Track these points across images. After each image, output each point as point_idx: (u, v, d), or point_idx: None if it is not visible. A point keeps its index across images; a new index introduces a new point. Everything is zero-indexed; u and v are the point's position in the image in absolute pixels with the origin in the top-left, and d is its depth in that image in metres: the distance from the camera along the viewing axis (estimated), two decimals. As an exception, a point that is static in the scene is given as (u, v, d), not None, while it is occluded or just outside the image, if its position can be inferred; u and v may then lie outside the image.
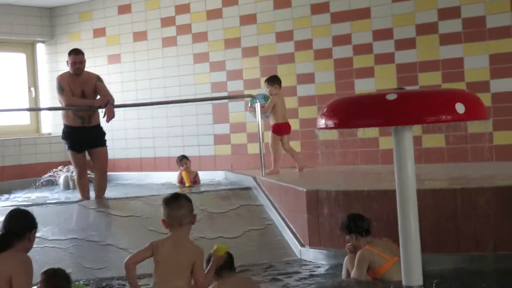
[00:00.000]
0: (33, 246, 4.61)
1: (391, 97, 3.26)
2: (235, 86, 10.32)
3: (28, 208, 4.75)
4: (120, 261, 6.75)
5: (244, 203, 7.85)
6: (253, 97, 8.66)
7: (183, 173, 9.43)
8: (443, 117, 3.26)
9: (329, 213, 6.38)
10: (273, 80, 8.80)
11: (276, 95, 8.71)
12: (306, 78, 9.73)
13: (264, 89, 8.92)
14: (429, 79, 8.79)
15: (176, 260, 4.33)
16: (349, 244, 5.63)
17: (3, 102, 11.27)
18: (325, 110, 3.50)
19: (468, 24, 8.59)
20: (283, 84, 9.03)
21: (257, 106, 8.49)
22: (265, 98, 8.64)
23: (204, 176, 9.65)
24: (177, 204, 4.46)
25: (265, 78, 9.00)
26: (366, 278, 5.44)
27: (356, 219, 5.61)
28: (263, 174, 8.39)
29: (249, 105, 8.74)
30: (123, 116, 10.90)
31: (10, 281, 4.23)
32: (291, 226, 7.14)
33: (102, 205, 7.78)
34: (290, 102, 9.68)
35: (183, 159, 9.57)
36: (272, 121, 8.75)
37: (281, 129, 8.75)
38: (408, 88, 6.67)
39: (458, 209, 5.90)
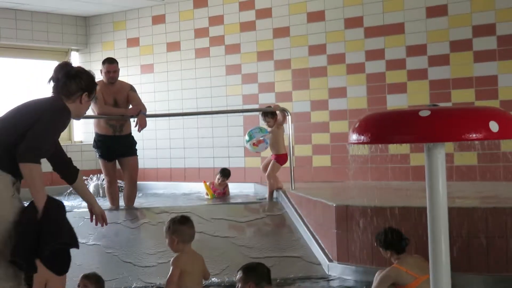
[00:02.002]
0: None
1: (424, 113, 3.22)
2: (267, 98, 10.32)
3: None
4: (145, 271, 6.86)
5: (272, 216, 7.85)
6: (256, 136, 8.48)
7: (204, 185, 9.41)
8: (476, 135, 3.22)
9: (358, 228, 6.33)
10: (273, 113, 8.58)
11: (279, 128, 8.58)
12: (338, 92, 9.71)
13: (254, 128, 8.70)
14: (462, 96, 8.72)
15: (197, 270, 5.01)
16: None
17: None
18: (357, 124, 3.47)
19: (503, 42, 8.52)
20: (315, 97, 9.01)
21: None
22: (262, 130, 8.46)
23: (233, 188, 9.67)
24: (191, 223, 5.12)
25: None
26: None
27: (395, 236, 5.51)
28: (293, 188, 8.36)
29: (246, 142, 8.51)
30: (154, 126, 10.92)
31: (45, 286, 4.28)
32: (320, 241, 7.11)
33: (131, 214, 7.81)
34: (321, 116, 9.73)
35: (221, 172, 9.54)
36: (275, 151, 8.49)
37: (284, 160, 8.56)
38: (441, 104, 6.62)
39: (489, 228, 5.84)
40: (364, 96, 9.48)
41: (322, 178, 9.60)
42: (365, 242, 6.08)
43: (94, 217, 4.66)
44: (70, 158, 4.58)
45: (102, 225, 4.66)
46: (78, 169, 4.59)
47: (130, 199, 8.30)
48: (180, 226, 5.04)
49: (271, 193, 8.47)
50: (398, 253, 5.48)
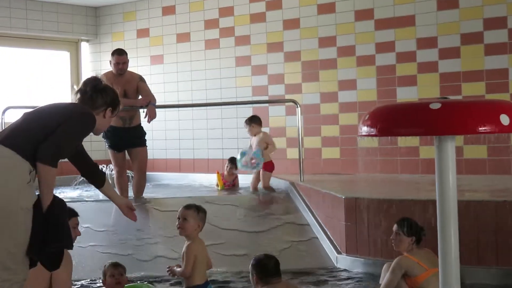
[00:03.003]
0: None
1: (435, 106, 3.21)
2: (276, 90, 10.32)
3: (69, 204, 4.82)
4: (153, 261, 6.88)
5: (281, 208, 7.85)
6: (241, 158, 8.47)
7: (217, 175, 9.37)
8: (487, 128, 3.21)
9: (367, 221, 6.33)
10: (256, 119, 8.62)
11: (264, 133, 8.62)
12: (348, 85, 9.68)
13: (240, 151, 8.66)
14: (472, 89, 8.69)
15: (205, 259, 5.06)
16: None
17: (46, 100, 11.29)
18: (367, 117, 3.46)
19: (514, 35, 8.49)
20: (325, 89, 9.00)
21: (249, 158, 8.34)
22: (242, 154, 8.42)
23: (243, 179, 9.57)
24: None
25: (249, 118, 8.74)
26: (401, 286, 5.35)
27: (417, 225, 5.48)
28: (302, 180, 8.37)
29: (240, 166, 8.50)
30: (164, 117, 11.00)
31: (51, 275, 4.41)
32: (328, 233, 7.12)
33: (140, 204, 7.81)
34: (331, 108, 9.72)
35: (228, 162, 9.43)
36: (261, 160, 8.41)
37: (271, 167, 8.58)
38: (452, 97, 6.60)
39: (499, 222, 5.82)
40: (374, 88, 9.45)
41: (331, 170, 9.58)
42: (374, 234, 6.08)
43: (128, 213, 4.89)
44: (96, 164, 4.71)
45: (135, 219, 4.88)
46: (104, 173, 4.75)
47: (139, 189, 8.31)
48: (204, 213, 5.10)
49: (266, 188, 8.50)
50: (418, 242, 5.44)
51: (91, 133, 4.40)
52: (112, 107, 4.47)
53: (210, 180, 9.87)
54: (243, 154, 8.36)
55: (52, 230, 4.06)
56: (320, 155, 9.88)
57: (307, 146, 9.68)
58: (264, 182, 8.50)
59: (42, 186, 4.01)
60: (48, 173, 3.99)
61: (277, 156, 10.06)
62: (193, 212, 5.02)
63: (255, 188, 8.61)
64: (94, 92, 4.42)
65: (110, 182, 9.15)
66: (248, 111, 10.37)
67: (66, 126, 4.10)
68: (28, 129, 4.11)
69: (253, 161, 8.27)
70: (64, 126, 4.10)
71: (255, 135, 8.56)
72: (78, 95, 4.46)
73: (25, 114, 4.24)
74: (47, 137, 4.03)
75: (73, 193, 9.44)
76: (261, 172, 8.49)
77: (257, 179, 8.60)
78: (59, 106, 4.41)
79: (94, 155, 10.38)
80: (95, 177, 4.70)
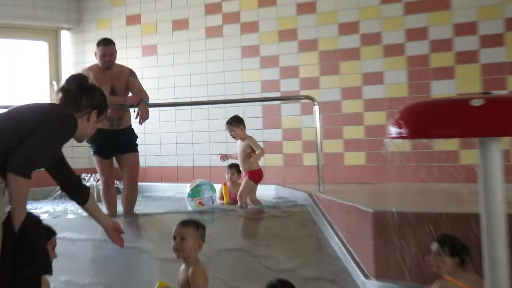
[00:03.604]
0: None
1: (477, 102, 3.18)
2: (289, 85, 10.33)
3: (45, 220, 4.80)
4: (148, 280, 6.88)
5: (297, 224, 7.86)
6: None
7: (223, 188, 9.31)
8: (539, 128, 3.18)
9: (399, 239, 6.28)
10: (239, 120, 8.78)
11: (250, 136, 8.74)
12: (374, 78, 9.70)
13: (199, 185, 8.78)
14: (519, 83, 8.68)
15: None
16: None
17: (21, 98, 11.23)
18: (397, 116, 3.43)
19: None
20: (347, 83, 8.99)
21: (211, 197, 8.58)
22: (212, 189, 8.65)
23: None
24: None
25: (228, 119, 8.88)
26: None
27: (462, 244, 5.43)
28: (321, 190, 8.37)
29: (188, 196, 8.65)
30: (158, 118, 11.05)
31: None
32: (354, 254, 7.09)
33: (131, 221, 7.82)
34: (354, 106, 9.75)
35: (229, 168, 9.40)
36: (247, 168, 8.66)
37: (260, 176, 8.73)
38: (495, 92, 6.56)
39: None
40: (404, 82, 9.45)
41: (356, 178, 9.61)
42: (409, 254, 6.02)
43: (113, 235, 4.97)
44: (78, 176, 4.77)
45: (121, 245, 4.97)
46: (88, 188, 4.82)
47: (130, 203, 8.33)
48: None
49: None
50: (462, 264, 5.39)
51: (73, 139, 4.43)
52: (98, 110, 4.55)
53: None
54: (196, 192, 8.59)
55: (27, 254, 4.07)
56: (342, 161, 9.90)
57: (327, 150, 9.66)
58: (242, 190, 8.61)
59: (13, 200, 4.02)
60: (20, 185, 3.99)
61: (292, 162, 10.10)
62: (192, 230, 5.04)
63: (242, 202, 8.63)
64: (78, 91, 4.51)
65: (96, 194, 9.31)
66: (256, 110, 10.46)
67: (43, 131, 4.14)
68: None
69: (200, 201, 8.53)
70: (40, 130, 4.14)
71: (242, 139, 8.70)
72: (60, 95, 4.54)
73: None
74: (21, 143, 4.04)
75: (51, 208, 9.36)
76: (244, 181, 8.60)
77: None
78: (35, 107, 4.44)
79: (76, 163, 10.58)
80: (77, 192, 4.75)
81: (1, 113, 4.35)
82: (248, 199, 8.64)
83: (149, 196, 10.59)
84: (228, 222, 7.83)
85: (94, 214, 4.88)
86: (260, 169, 8.70)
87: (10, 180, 3.97)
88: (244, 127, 8.75)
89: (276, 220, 7.93)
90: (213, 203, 8.59)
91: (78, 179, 4.77)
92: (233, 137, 8.81)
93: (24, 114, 4.32)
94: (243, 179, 8.67)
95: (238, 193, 8.58)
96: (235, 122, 8.72)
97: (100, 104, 4.60)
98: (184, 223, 5.06)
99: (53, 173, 4.64)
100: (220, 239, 7.33)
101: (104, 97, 4.69)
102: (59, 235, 5.22)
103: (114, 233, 4.90)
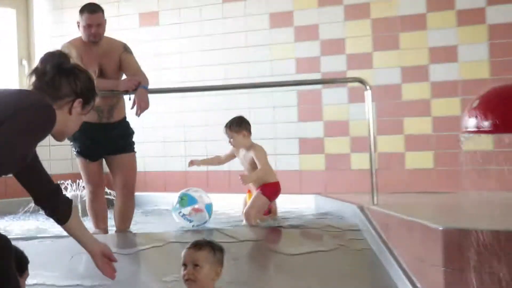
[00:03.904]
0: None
1: None
2: (333, 64, 10.36)
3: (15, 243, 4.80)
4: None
5: (344, 247, 7.83)
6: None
7: (248, 197, 9.21)
8: None
9: (479, 264, 6.27)
10: (240, 124, 8.78)
11: (258, 146, 8.79)
12: (444, 54, 9.70)
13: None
14: None
15: None
16: None
17: None
18: (476, 103, 3.45)
19: None
20: (409, 61, 9.02)
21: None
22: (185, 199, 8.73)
23: (283, 202, 9.55)
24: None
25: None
26: None
27: None
28: (375, 202, 8.35)
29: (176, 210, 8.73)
30: (161, 107, 11.03)
31: None
32: (417, 283, 7.01)
33: (126, 242, 7.84)
34: (418, 91, 9.79)
35: None
36: (259, 182, 8.71)
37: (277, 192, 8.81)
38: None
39: None
40: (486, 59, 9.48)
41: (421, 186, 9.64)
42: (490, 285, 6.00)
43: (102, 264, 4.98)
44: (58, 185, 4.76)
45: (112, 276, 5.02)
46: (70, 201, 4.80)
47: (124, 218, 8.35)
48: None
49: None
50: None
51: (50, 137, 4.45)
52: (83, 98, 4.54)
53: (234, 203, 9.78)
54: (186, 200, 8.66)
55: None
56: (403, 163, 9.94)
57: (383, 149, 9.75)
58: (249, 208, 8.61)
59: None
60: None
61: (337, 165, 10.17)
62: (208, 254, 5.04)
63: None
64: (57, 74, 4.49)
65: (80, 207, 9.35)
66: (290, 97, 10.53)
67: (9, 126, 4.12)
68: None
69: (196, 208, 8.63)
70: (6, 125, 4.13)
71: (246, 149, 8.75)
72: (33, 78, 4.54)
73: None
74: None
75: (21, 225, 9.40)
76: (255, 195, 8.65)
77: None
78: (0, 95, 4.41)
79: (54, 167, 10.63)
80: (55, 207, 4.73)
81: None
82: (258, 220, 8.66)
83: (150, 209, 10.63)
84: (259, 247, 7.80)
85: (77, 235, 4.88)
86: (277, 182, 8.74)
87: None
88: (248, 132, 8.74)
89: (316, 241, 7.93)
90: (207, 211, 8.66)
91: (57, 189, 4.76)
92: (232, 145, 8.82)
93: None
94: (254, 194, 8.69)
95: (245, 211, 8.60)
96: (235, 126, 8.71)
97: (86, 91, 4.58)
98: (197, 246, 5.05)
99: (24, 181, 4.65)
100: (247, 265, 7.40)
101: (91, 82, 4.68)
102: (32, 268, 5.20)
103: (103, 261, 4.90)
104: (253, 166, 8.66)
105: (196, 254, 5.00)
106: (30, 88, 4.53)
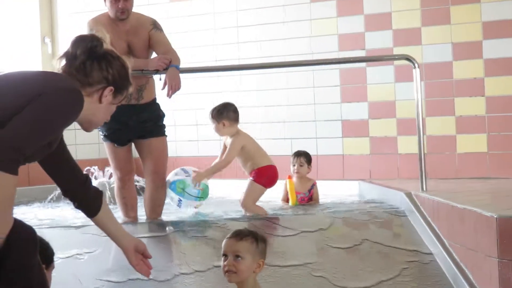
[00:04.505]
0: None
1: None
2: (378, 40, 10.33)
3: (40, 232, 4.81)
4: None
5: (391, 237, 7.71)
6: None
7: (289, 183, 9.25)
8: None
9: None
10: (222, 112, 8.68)
11: (239, 135, 8.68)
12: (499, 29, 9.60)
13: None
14: None
15: None
16: None
17: (3, 65, 11.50)
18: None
19: None
20: (461, 37, 9.11)
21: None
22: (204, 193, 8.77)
23: (325, 188, 9.53)
24: None
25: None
26: None
27: None
28: (424, 188, 8.26)
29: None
30: (193, 88, 10.98)
31: None
32: (469, 275, 6.89)
33: (158, 231, 7.72)
34: (471, 69, 9.70)
35: (295, 157, 9.33)
36: (250, 166, 8.62)
37: (271, 176, 8.61)
38: None
39: None
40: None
41: (473, 172, 9.56)
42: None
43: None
44: (87, 176, 4.79)
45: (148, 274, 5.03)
46: (101, 192, 4.84)
47: (155, 206, 8.32)
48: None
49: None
50: None
51: (77, 124, 4.43)
52: (114, 86, 4.53)
53: (273, 190, 9.55)
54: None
55: (16, 278, 4.13)
56: (454, 147, 9.85)
57: (432, 132, 9.69)
58: (245, 198, 8.54)
59: None
60: (3, 183, 3.92)
61: (382, 150, 10.26)
62: (250, 244, 4.99)
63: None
64: (89, 57, 4.47)
65: (109, 196, 9.29)
66: (331, 76, 10.49)
67: (34, 109, 4.08)
68: None
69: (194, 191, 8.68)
70: (29, 108, 4.08)
71: (231, 137, 8.66)
72: (63, 62, 4.50)
73: None
74: (1, 127, 3.99)
75: (47, 214, 9.35)
76: (248, 184, 8.57)
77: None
78: (25, 76, 4.40)
79: (79, 152, 10.54)
80: (84, 199, 4.74)
81: None
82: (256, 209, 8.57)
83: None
84: (300, 239, 7.56)
85: (108, 228, 4.88)
86: (271, 165, 8.60)
87: None
88: (231, 121, 8.63)
89: (360, 230, 7.79)
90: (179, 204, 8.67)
91: (86, 180, 4.74)
92: (219, 133, 8.76)
93: (8, 86, 4.29)
94: (248, 182, 8.62)
95: (242, 202, 8.56)
96: (216, 114, 8.64)
97: (118, 79, 4.58)
98: (239, 235, 4.99)
99: (50, 169, 4.65)
100: (286, 253, 7.24)
101: (125, 69, 4.67)
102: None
103: (137, 257, 4.88)
104: (242, 156, 8.61)
105: (238, 244, 4.96)
106: (60, 71, 4.51)
